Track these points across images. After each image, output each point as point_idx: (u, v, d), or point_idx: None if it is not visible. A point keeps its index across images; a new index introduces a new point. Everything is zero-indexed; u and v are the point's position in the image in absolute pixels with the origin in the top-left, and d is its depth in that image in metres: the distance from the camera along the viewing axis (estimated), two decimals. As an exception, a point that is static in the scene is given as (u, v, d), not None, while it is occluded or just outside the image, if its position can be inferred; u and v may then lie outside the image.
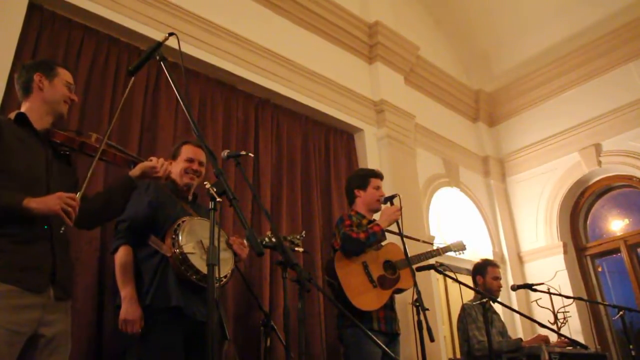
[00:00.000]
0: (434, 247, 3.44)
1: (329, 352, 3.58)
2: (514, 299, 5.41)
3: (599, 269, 5.84)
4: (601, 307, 5.48)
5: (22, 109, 1.87)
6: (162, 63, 1.74)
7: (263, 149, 3.88)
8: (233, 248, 2.42)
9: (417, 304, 2.90)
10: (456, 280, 3.07)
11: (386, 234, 3.12)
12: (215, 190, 1.54)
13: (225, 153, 2.16)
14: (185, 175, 2.53)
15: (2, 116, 1.92)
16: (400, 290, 3.11)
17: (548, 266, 5.63)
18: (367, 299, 2.89)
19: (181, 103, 1.74)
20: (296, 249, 2.80)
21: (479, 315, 3.49)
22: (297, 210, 3.93)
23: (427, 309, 2.89)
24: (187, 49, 3.35)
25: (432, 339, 2.87)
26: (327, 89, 4.52)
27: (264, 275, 3.45)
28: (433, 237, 4.85)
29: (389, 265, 3.09)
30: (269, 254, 3.42)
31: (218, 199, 1.54)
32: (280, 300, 3.37)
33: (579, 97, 5.90)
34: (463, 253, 3.65)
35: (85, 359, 2.50)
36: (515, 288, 3.69)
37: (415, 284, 2.93)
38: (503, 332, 3.76)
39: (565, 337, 3.37)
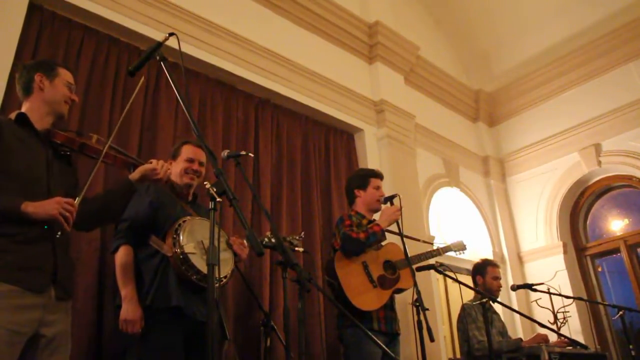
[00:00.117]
0: (434, 247, 3.44)
1: (329, 352, 3.58)
2: (514, 299, 5.41)
3: (599, 269, 5.84)
4: (601, 307, 5.48)
5: (23, 109, 1.87)
6: (162, 63, 1.74)
7: (263, 149, 3.88)
8: (233, 248, 2.42)
9: (417, 304, 2.90)
10: (456, 280, 3.07)
11: (386, 234, 3.12)
12: (215, 190, 1.54)
13: (225, 153, 2.16)
14: (185, 175, 2.53)
15: (2, 116, 1.92)
16: (400, 290, 3.12)
17: (548, 266, 5.63)
18: (367, 299, 2.89)
19: (181, 103, 1.74)
20: (296, 249, 2.80)
21: (478, 315, 3.49)
22: (297, 210, 3.93)
23: (427, 309, 2.89)
24: (187, 49, 3.35)
25: (432, 339, 2.87)
26: (327, 89, 4.52)
27: (264, 275, 3.45)
28: (433, 237, 4.85)
29: (389, 265, 3.09)
30: (269, 254, 3.43)
31: (218, 199, 1.54)
32: (280, 300, 3.37)
33: (579, 97, 5.90)
34: (463, 253, 3.65)
35: (85, 359, 2.50)
36: (515, 288, 3.69)
37: (415, 284, 2.93)
38: (503, 332, 3.76)
39: (565, 337, 3.37)
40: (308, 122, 4.39)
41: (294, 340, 2.64)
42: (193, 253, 2.19)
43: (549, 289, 4.04)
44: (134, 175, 1.99)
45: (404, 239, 3.03)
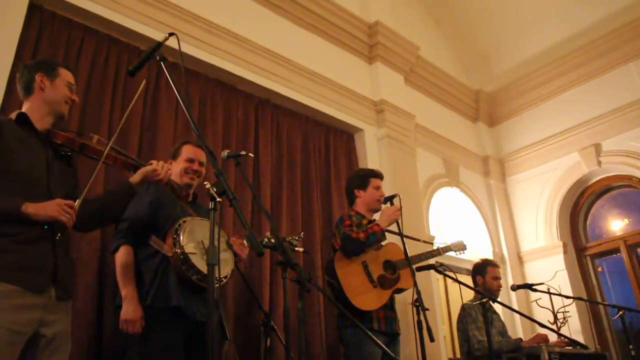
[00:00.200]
0: (434, 247, 3.44)
1: (329, 352, 3.58)
2: (513, 299, 5.41)
3: (599, 269, 5.84)
4: (601, 307, 5.48)
5: (23, 109, 1.87)
6: (162, 63, 1.74)
7: (263, 149, 3.88)
8: (233, 248, 2.42)
9: (417, 304, 2.90)
10: (456, 280, 3.07)
11: (386, 234, 3.12)
12: (215, 190, 1.54)
13: (225, 153, 2.16)
14: (185, 175, 2.53)
15: (2, 116, 1.92)
16: (400, 290, 3.12)
17: (548, 266, 5.63)
18: (367, 299, 2.90)
19: (181, 103, 1.74)
20: (296, 249, 2.80)
21: (478, 315, 3.49)
22: (297, 210, 3.93)
23: (427, 309, 2.89)
24: (187, 49, 3.35)
25: (432, 339, 2.87)
26: (327, 89, 4.52)
27: (264, 275, 3.45)
28: (433, 237, 4.85)
29: (389, 265, 3.09)
30: (269, 254, 3.43)
31: (218, 199, 1.54)
32: (280, 300, 3.37)
33: (579, 97, 5.90)
34: (463, 253, 3.65)
35: (85, 359, 2.50)
36: (515, 288, 3.69)
37: (415, 284, 2.93)
38: (503, 332, 3.76)
39: (565, 337, 3.37)
40: (308, 122, 4.39)
41: (294, 340, 2.64)
42: (193, 253, 2.19)
43: (549, 289, 4.04)
44: (135, 177, 1.99)
45: (404, 239, 3.03)
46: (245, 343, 3.17)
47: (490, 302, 3.36)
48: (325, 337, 3.59)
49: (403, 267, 3.08)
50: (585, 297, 5.36)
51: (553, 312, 5.13)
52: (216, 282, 1.46)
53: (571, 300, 4.53)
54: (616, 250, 5.67)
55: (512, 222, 6.17)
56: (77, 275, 2.52)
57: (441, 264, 3.16)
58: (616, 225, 5.83)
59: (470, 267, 4.09)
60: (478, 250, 5.57)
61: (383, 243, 3.17)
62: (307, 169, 4.17)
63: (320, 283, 3.50)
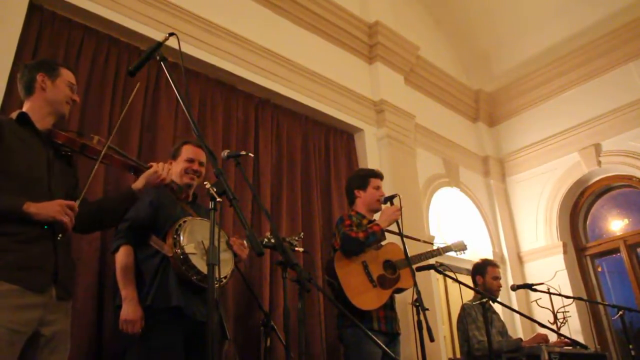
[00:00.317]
0: (435, 247, 3.44)
1: (329, 352, 3.58)
2: (513, 299, 5.41)
3: (599, 269, 5.84)
4: (601, 307, 5.48)
5: (24, 109, 1.87)
6: (162, 63, 1.74)
7: (263, 149, 3.88)
8: (233, 249, 2.42)
9: (417, 304, 2.90)
10: (456, 280, 3.07)
11: (387, 234, 3.12)
12: (215, 190, 1.54)
13: (225, 153, 2.16)
14: (186, 175, 2.54)
15: (3, 116, 1.92)
16: (400, 290, 3.12)
17: (548, 266, 5.63)
18: (366, 299, 2.90)
19: (181, 103, 1.74)
20: (296, 249, 2.80)
21: (478, 315, 3.49)
22: (297, 210, 3.93)
23: (427, 309, 2.89)
24: (187, 49, 3.35)
25: (432, 339, 2.87)
26: (327, 89, 4.52)
27: (264, 275, 3.45)
28: (433, 237, 4.85)
29: (388, 265, 3.09)
30: (269, 254, 3.43)
31: (218, 199, 1.54)
32: (280, 300, 3.37)
33: (579, 97, 5.90)
34: (464, 253, 3.65)
35: (85, 359, 2.50)
36: (515, 288, 3.69)
37: (415, 284, 2.93)
38: (503, 331, 3.76)
39: (565, 337, 3.37)
40: (308, 122, 4.39)
41: (294, 340, 2.64)
42: (193, 253, 2.19)
43: (548, 289, 4.04)
44: (138, 183, 1.98)
45: (404, 238, 3.03)
46: (245, 343, 3.17)
47: (490, 302, 3.36)
48: (325, 337, 3.59)
49: (403, 267, 3.08)
50: (585, 297, 5.36)
51: (553, 312, 5.13)
52: (216, 282, 1.46)
53: (571, 300, 4.53)
54: (616, 250, 5.67)
55: (512, 222, 6.17)
56: (78, 275, 2.52)
57: (441, 264, 3.16)
58: (616, 225, 5.83)
59: (470, 267, 4.09)
60: (478, 250, 5.57)
61: (383, 243, 3.16)
62: (307, 169, 4.17)
63: (320, 283, 3.50)
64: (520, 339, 3.57)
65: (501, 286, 3.89)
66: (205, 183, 1.65)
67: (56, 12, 3.03)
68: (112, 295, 2.58)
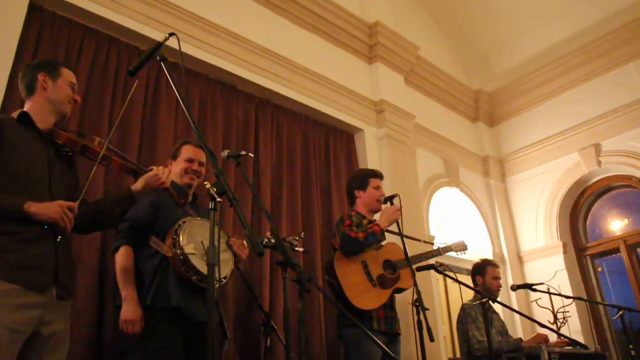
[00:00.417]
0: (435, 247, 3.44)
1: (329, 352, 3.58)
2: (513, 299, 5.41)
3: (599, 269, 5.84)
4: (601, 307, 5.48)
5: (25, 108, 1.88)
6: (162, 63, 1.74)
7: (263, 149, 3.88)
8: (233, 249, 2.42)
9: (417, 303, 2.90)
10: (456, 280, 3.07)
11: (387, 234, 3.12)
12: (215, 190, 1.54)
13: (225, 153, 2.17)
14: (185, 176, 2.54)
15: (4, 115, 1.92)
16: (400, 290, 3.12)
17: (548, 266, 5.63)
18: (366, 298, 2.90)
19: (181, 103, 1.74)
20: (296, 249, 2.80)
21: (478, 315, 3.49)
22: (297, 210, 3.93)
23: (427, 309, 2.90)
24: (187, 49, 3.35)
25: (432, 339, 2.87)
26: (327, 89, 4.52)
27: (264, 275, 3.45)
28: (433, 237, 4.85)
29: (388, 265, 3.09)
30: (269, 254, 3.43)
31: (218, 199, 1.54)
32: (280, 300, 3.37)
33: (579, 97, 5.90)
34: (464, 253, 3.64)
35: (86, 359, 2.50)
36: (515, 288, 3.69)
37: (415, 284, 2.93)
38: (503, 331, 3.76)
39: (565, 337, 3.37)
40: (308, 122, 4.39)
41: (294, 340, 2.64)
42: (193, 254, 2.19)
43: (548, 289, 4.04)
44: (137, 185, 1.98)
45: (404, 238, 3.03)
46: (245, 343, 3.17)
47: (490, 302, 3.36)
48: (325, 337, 3.59)
49: (403, 266, 3.08)
50: (585, 297, 5.36)
51: (553, 312, 5.13)
52: (216, 282, 1.46)
53: (571, 300, 4.53)
54: (616, 250, 5.67)
55: (512, 222, 6.17)
56: (78, 275, 2.52)
57: (441, 264, 3.16)
58: (616, 225, 5.83)
59: (470, 267, 4.09)
60: (478, 250, 5.57)
61: (383, 243, 3.17)
62: (307, 169, 4.17)
63: (320, 283, 3.50)
64: (520, 339, 3.57)
65: (501, 286, 3.90)
66: (205, 183, 1.65)
67: (56, 12, 3.03)
68: (112, 295, 2.58)
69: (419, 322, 3.01)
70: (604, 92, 5.66)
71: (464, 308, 3.61)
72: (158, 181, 1.99)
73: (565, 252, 5.68)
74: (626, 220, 5.76)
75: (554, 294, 4.03)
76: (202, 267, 2.18)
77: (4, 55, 2.65)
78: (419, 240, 3.66)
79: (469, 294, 3.66)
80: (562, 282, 5.39)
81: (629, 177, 5.52)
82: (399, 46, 5.34)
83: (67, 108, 1.94)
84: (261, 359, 2.95)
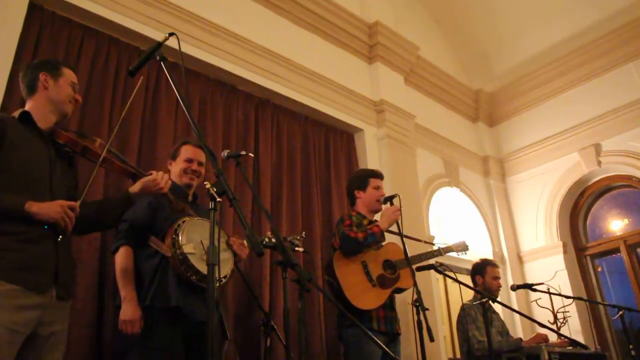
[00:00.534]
0: (436, 247, 3.44)
1: (329, 352, 3.58)
2: (513, 299, 5.41)
3: (599, 269, 5.84)
4: (601, 307, 5.48)
5: (26, 108, 1.88)
6: (162, 63, 1.74)
7: (263, 149, 3.88)
8: (233, 248, 2.42)
9: (417, 304, 2.90)
10: (456, 280, 3.07)
11: (388, 234, 3.12)
12: (215, 190, 1.54)
13: (225, 153, 2.16)
14: (185, 176, 2.54)
15: (6, 114, 1.92)
16: (400, 290, 3.12)
17: (548, 266, 5.63)
18: (365, 298, 2.89)
19: (181, 103, 1.74)
20: (296, 249, 2.80)
21: (478, 315, 3.49)
22: (297, 210, 3.93)
23: (427, 309, 2.89)
24: (187, 49, 3.35)
25: (432, 339, 2.87)
26: (327, 89, 4.52)
27: (264, 275, 3.45)
28: (433, 237, 4.85)
29: (388, 265, 3.09)
30: (269, 254, 3.42)
31: (218, 199, 1.54)
32: (280, 300, 3.37)
33: (579, 97, 5.90)
34: (466, 254, 3.64)
35: (86, 359, 2.50)
36: (515, 288, 3.69)
37: (415, 284, 2.93)
38: (502, 331, 3.76)
39: (565, 337, 3.37)
40: (308, 122, 4.39)
41: (294, 340, 2.64)
42: (192, 253, 2.19)
43: (548, 289, 4.04)
44: (135, 187, 1.98)
45: (404, 238, 3.03)
46: (245, 343, 3.17)
47: (490, 302, 3.36)
48: (325, 337, 3.59)
49: (403, 266, 3.08)
50: (585, 297, 5.36)
51: (553, 312, 5.13)
52: (216, 282, 1.45)
53: (571, 300, 4.53)
54: (616, 250, 5.67)
55: (512, 222, 6.17)
56: (78, 275, 2.52)
57: (441, 264, 3.16)
58: (616, 225, 5.83)
59: (470, 267, 4.09)
60: (478, 250, 5.57)
61: (383, 243, 3.16)
62: (307, 169, 4.17)
63: (320, 283, 3.50)
64: (520, 339, 3.57)
65: (501, 286, 3.89)
66: (205, 183, 1.65)
67: (56, 12, 3.03)
68: (112, 295, 2.58)
69: (419, 322, 3.01)
70: (604, 92, 5.66)
71: (464, 308, 3.61)
72: (156, 186, 1.99)
73: (565, 252, 5.68)
74: (626, 220, 5.76)
75: (554, 294, 4.03)
76: (202, 267, 2.18)
77: (4, 55, 2.65)
78: (420, 241, 3.65)
79: (469, 294, 3.66)
80: (562, 282, 5.39)
81: (629, 177, 5.52)
82: (399, 46, 5.34)
83: (68, 108, 1.94)
84: (261, 359, 2.95)
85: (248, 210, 3.59)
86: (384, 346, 1.93)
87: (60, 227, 1.68)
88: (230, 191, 1.53)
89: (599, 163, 5.59)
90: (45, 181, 1.79)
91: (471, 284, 3.75)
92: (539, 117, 6.25)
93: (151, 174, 2.01)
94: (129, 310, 2.18)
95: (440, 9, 6.55)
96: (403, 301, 3.56)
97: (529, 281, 4.44)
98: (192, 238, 2.23)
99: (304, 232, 3.01)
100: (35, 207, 1.64)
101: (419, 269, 3.19)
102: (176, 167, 2.57)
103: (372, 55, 5.19)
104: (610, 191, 5.89)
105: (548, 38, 6.06)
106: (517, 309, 4.72)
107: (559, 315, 5.14)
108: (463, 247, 3.58)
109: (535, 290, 3.55)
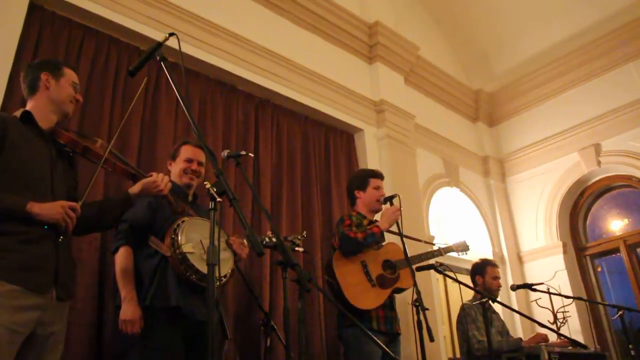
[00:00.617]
0: (436, 247, 3.44)
1: (329, 352, 3.58)
2: (513, 298, 5.41)
3: (599, 269, 5.85)
4: (601, 307, 5.48)
5: (27, 107, 1.88)
6: (162, 63, 1.74)
7: (263, 149, 3.88)
8: (233, 248, 2.42)
9: (417, 303, 2.90)
10: (456, 280, 3.07)
11: (388, 234, 3.12)
12: (215, 190, 1.54)
13: (225, 153, 2.16)
14: (185, 176, 2.54)
15: (7, 114, 1.92)
16: (400, 290, 3.12)
17: (548, 266, 5.63)
18: (365, 298, 2.90)
19: (181, 103, 1.74)
20: (297, 248, 2.80)
21: (478, 315, 3.49)
22: (297, 210, 3.93)
23: (427, 309, 2.89)
24: (187, 49, 3.35)
25: (431, 339, 2.87)
26: (327, 89, 4.52)
27: (264, 275, 3.45)
28: (433, 237, 4.85)
29: (388, 265, 3.09)
30: (269, 254, 3.43)
31: (218, 199, 1.54)
32: (280, 300, 3.37)
33: (579, 97, 5.90)
34: (466, 254, 3.64)
35: (86, 359, 2.50)
36: (515, 288, 3.69)
37: (415, 284, 2.93)
38: (502, 331, 3.76)
39: (565, 336, 3.37)
40: (308, 122, 4.39)
41: (294, 340, 2.64)
42: (191, 253, 2.19)
43: (548, 289, 4.04)
44: (134, 188, 1.99)
45: (404, 238, 3.03)
46: (245, 343, 3.17)
47: (490, 302, 3.36)
48: (325, 337, 3.59)
49: (403, 266, 3.08)
50: (585, 297, 5.36)
51: (553, 312, 5.13)
52: (216, 281, 1.46)
53: (571, 300, 4.53)
54: (616, 250, 5.67)
55: (512, 222, 6.17)
56: (78, 275, 2.52)
57: (441, 264, 3.16)
58: (616, 225, 5.83)
59: (470, 267, 4.09)
60: (478, 250, 5.57)
61: (383, 243, 3.16)
62: (307, 169, 4.17)
63: (320, 283, 3.50)
64: (520, 339, 3.57)
65: (501, 286, 3.90)
66: (205, 183, 1.65)
67: (56, 12, 3.03)
68: (112, 295, 2.58)
69: (419, 322, 3.01)
70: (604, 92, 5.66)
71: (463, 308, 3.61)
72: (156, 188, 2.00)
73: (565, 252, 5.68)
74: (626, 220, 5.77)
75: (554, 294, 4.03)
76: (201, 266, 2.18)
77: (4, 55, 2.65)
78: (420, 241, 3.65)
79: (469, 294, 3.66)
80: (562, 282, 5.39)
81: (629, 177, 5.52)
82: (399, 46, 5.34)
83: (69, 107, 1.94)
84: (261, 359, 2.95)
85: (248, 210, 3.59)
86: (383, 346, 1.93)
87: (61, 227, 1.68)
88: (230, 191, 1.53)
89: (599, 163, 5.59)
90: (47, 181, 1.79)
91: (471, 284, 3.75)
92: (539, 117, 6.25)
93: (151, 176, 2.01)
94: (128, 310, 2.18)
95: (440, 9, 6.55)
96: (403, 301, 3.56)
97: (529, 281, 4.44)
98: (192, 237, 2.23)
99: (305, 232, 3.01)
100: (37, 208, 1.64)
101: (419, 269, 3.19)
102: (176, 167, 2.57)
103: (372, 55, 5.19)
104: (610, 191, 5.89)
105: (548, 38, 6.06)
106: (517, 309, 4.72)
107: (559, 315, 5.14)
108: (464, 247, 3.58)
109: (535, 290, 3.55)
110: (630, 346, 3.58)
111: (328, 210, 4.17)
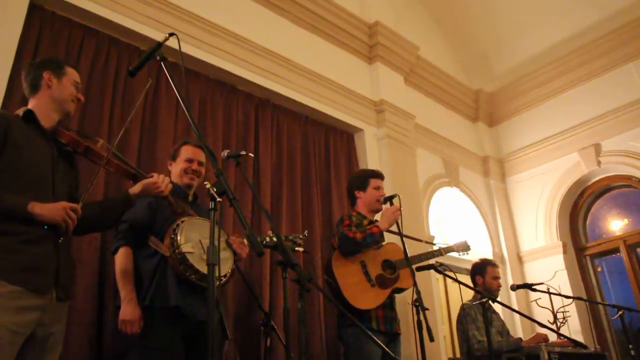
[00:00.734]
0: (436, 247, 3.44)
1: (329, 352, 3.58)
2: (513, 298, 5.41)
3: (599, 269, 5.85)
4: (600, 306, 5.48)
5: (29, 106, 1.87)
6: (162, 63, 1.74)
7: (263, 149, 3.88)
8: (233, 247, 2.42)
9: (417, 303, 2.90)
10: (456, 280, 3.07)
11: (388, 233, 3.12)
12: (215, 190, 1.54)
13: (225, 153, 2.17)
14: (185, 176, 2.54)
15: (9, 112, 1.92)
16: (399, 290, 3.12)
17: (547, 266, 5.63)
18: (364, 298, 2.89)
19: (181, 103, 1.74)
20: (297, 248, 2.80)
21: (478, 315, 3.50)
22: (297, 210, 3.93)
23: (427, 309, 2.89)
24: (187, 49, 3.35)
25: (431, 339, 2.87)
26: (327, 89, 4.52)
27: (264, 275, 3.45)
28: (433, 237, 4.85)
29: (387, 265, 3.09)
30: (269, 254, 3.43)
31: (218, 199, 1.54)
32: (280, 300, 3.37)
33: (579, 97, 5.90)
34: (467, 254, 3.64)
35: (86, 359, 2.50)
36: (514, 288, 3.69)
37: (415, 284, 2.93)
38: (502, 331, 3.76)
39: (565, 336, 3.37)
40: (308, 122, 4.39)
41: (294, 340, 2.64)
42: (191, 252, 2.19)
43: (548, 289, 4.04)
44: (135, 189, 1.99)
45: (404, 238, 3.03)
46: (245, 343, 3.17)
47: (490, 302, 3.36)
48: (325, 337, 3.59)
49: (403, 266, 3.07)
50: (585, 297, 5.36)
51: (553, 312, 5.13)
52: (216, 281, 1.46)
53: (571, 300, 4.53)
54: (616, 250, 5.67)
55: (512, 222, 6.17)
56: (77, 275, 2.52)
57: (441, 264, 3.16)
58: (616, 225, 5.83)
59: (470, 267, 4.09)
60: (478, 250, 5.57)
61: (383, 243, 3.16)
62: (307, 169, 4.17)
63: (320, 283, 3.50)
64: (520, 339, 3.57)
65: (501, 286, 3.90)
66: (205, 183, 1.65)
67: (56, 12, 3.03)
68: (112, 295, 2.58)
69: (419, 322, 3.00)
70: (604, 92, 5.66)
71: (463, 308, 3.61)
72: (157, 189, 2.00)
73: (565, 252, 5.68)
74: (626, 220, 5.77)
75: (554, 294, 4.03)
76: (201, 266, 2.18)
77: (4, 55, 2.65)
78: (420, 241, 3.65)
79: (468, 294, 3.66)
80: (562, 282, 5.39)
81: (629, 177, 5.52)
82: (399, 46, 5.34)
83: (71, 107, 1.94)
84: (261, 359, 2.95)
85: (248, 210, 3.59)
86: (383, 346, 1.93)
87: (62, 229, 1.68)
88: (230, 191, 1.54)
89: (599, 163, 5.59)
90: (48, 180, 1.79)
91: (471, 284, 3.75)
92: (539, 117, 6.25)
93: (152, 176, 2.01)
94: (128, 310, 2.18)
95: (440, 9, 6.55)
96: (403, 301, 3.56)
97: (529, 281, 4.44)
98: (191, 237, 2.23)
99: (306, 231, 3.00)
100: (38, 208, 1.64)
101: (419, 269, 3.19)
102: (176, 167, 2.57)
103: (372, 55, 5.19)
104: (610, 191, 5.89)
105: (548, 38, 6.06)
106: (517, 309, 4.72)
107: (559, 315, 5.14)
108: (464, 247, 3.58)
109: (535, 290, 3.55)
110: (630, 346, 3.58)
111: (328, 210, 4.17)
